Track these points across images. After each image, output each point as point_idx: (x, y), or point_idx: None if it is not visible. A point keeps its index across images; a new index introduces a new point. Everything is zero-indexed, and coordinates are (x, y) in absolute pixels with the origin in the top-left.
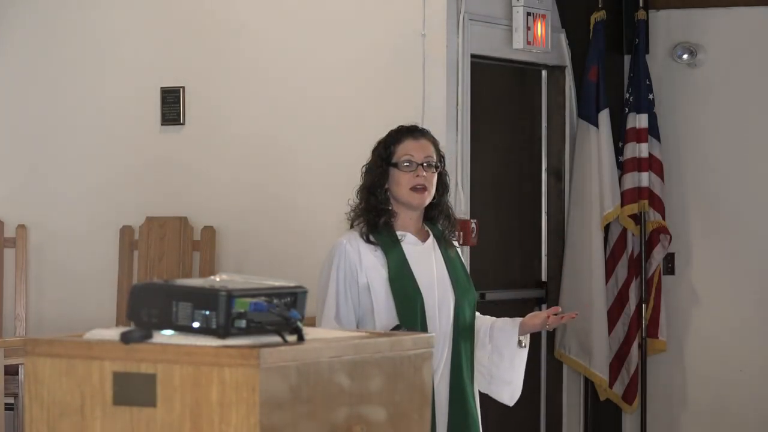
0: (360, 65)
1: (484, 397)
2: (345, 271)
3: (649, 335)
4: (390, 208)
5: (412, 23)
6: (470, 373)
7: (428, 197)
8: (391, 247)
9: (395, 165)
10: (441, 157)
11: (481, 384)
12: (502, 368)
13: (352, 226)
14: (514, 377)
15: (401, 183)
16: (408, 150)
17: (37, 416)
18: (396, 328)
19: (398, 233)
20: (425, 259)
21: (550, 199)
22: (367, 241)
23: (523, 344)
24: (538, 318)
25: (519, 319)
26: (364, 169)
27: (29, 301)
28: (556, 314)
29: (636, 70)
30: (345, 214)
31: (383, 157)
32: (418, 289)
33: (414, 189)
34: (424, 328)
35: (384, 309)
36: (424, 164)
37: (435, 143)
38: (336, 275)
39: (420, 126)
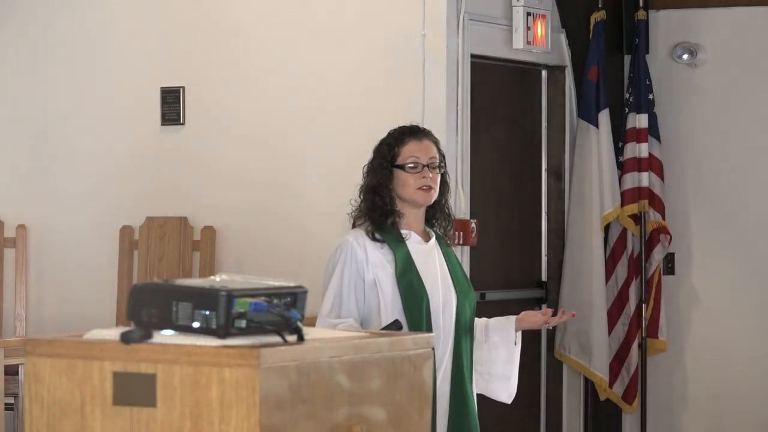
0: (360, 65)
1: (483, 398)
2: (351, 267)
3: (649, 335)
4: (396, 209)
5: (412, 23)
6: (470, 374)
7: (434, 195)
8: (397, 245)
9: (400, 167)
10: (442, 156)
11: (478, 385)
12: (501, 365)
13: (354, 226)
14: (512, 374)
15: (408, 184)
16: (412, 152)
17: (37, 416)
18: (392, 323)
19: (403, 232)
20: (429, 259)
21: (550, 199)
22: (373, 239)
23: (516, 342)
24: (534, 317)
25: (513, 317)
26: (366, 169)
27: (29, 301)
28: (553, 315)
29: (636, 70)
30: (348, 214)
31: (387, 159)
32: (424, 287)
33: (420, 188)
34: (429, 327)
35: (390, 306)
36: (429, 165)
37: (436, 143)
38: (341, 272)
39: (420, 126)
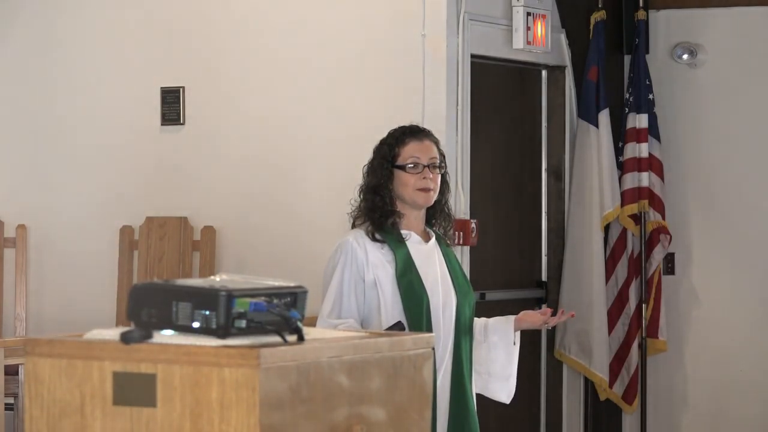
0: (360, 65)
1: (483, 398)
2: (351, 268)
3: (649, 335)
4: (396, 209)
5: (412, 23)
6: (470, 374)
7: (434, 196)
8: (397, 245)
9: (401, 167)
10: (442, 156)
11: (477, 384)
12: (500, 364)
13: (354, 226)
14: (511, 373)
15: (408, 184)
16: (413, 152)
17: (37, 416)
18: (396, 324)
19: (403, 232)
20: (429, 259)
21: (550, 199)
22: (374, 239)
23: (514, 342)
24: (533, 316)
25: (512, 317)
26: (366, 168)
27: (29, 301)
28: (552, 315)
29: (636, 70)
30: (347, 214)
31: (387, 159)
32: (424, 288)
33: (420, 189)
34: (429, 327)
35: (391, 305)
36: (429, 166)
37: (437, 143)
38: (341, 273)
39: (420, 126)
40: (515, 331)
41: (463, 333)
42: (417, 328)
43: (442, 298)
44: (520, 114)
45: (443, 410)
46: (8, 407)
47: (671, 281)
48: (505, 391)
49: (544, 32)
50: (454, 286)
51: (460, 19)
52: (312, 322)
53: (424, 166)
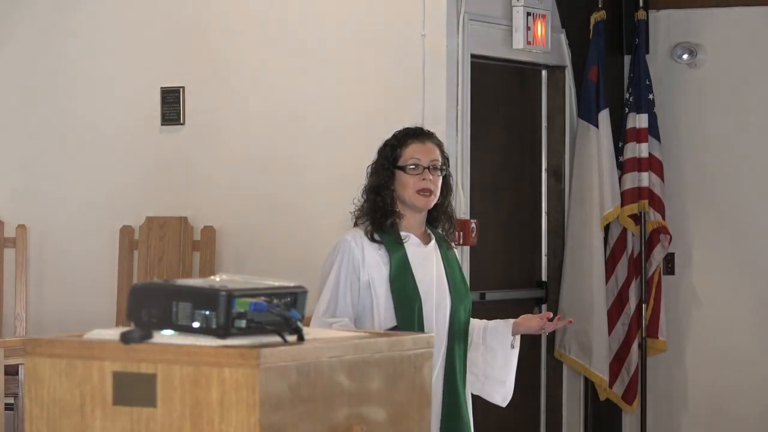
0: (360, 65)
1: (482, 398)
2: (348, 266)
3: (649, 335)
4: (397, 210)
5: (412, 23)
6: (463, 377)
7: (434, 199)
8: (394, 247)
9: (402, 168)
10: (446, 159)
11: (474, 386)
12: (497, 368)
13: (356, 225)
14: (508, 377)
15: (407, 186)
16: (414, 153)
17: (37, 416)
18: (394, 329)
19: (402, 234)
20: (426, 262)
21: (550, 199)
22: (372, 239)
23: (513, 345)
24: (532, 321)
25: (512, 320)
26: (369, 168)
27: (29, 301)
28: (549, 319)
29: (636, 70)
30: (350, 213)
31: (389, 160)
32: (417, 291)
33: (420, 192)
34: (420, 330)
35: (384, 307)
36: (430, 167)
37: (440, 145)
38: (338, 271)
39: (424, 128)
40: (514, 335)
41: (456, 337)
42: (408, 330)
43: (436, 301)
44: (520, 114)
45: (435, 414)
46: (8, 407)
47: (671, 281)
48: (502, 394)
49: (544, 32)
50: (450, 290)
51: (460, 19)
52: (309, 321)
53: (425, 168)
